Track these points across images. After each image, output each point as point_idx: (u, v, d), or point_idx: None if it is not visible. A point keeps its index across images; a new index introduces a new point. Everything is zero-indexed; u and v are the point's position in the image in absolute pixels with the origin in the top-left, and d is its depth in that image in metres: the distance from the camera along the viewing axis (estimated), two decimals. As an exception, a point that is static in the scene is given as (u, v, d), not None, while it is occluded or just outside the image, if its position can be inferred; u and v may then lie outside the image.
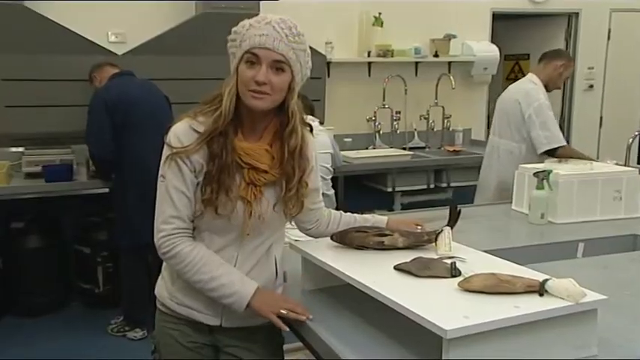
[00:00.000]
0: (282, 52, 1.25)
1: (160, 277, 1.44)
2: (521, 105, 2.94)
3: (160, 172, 1.31)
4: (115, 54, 3.56)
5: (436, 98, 4.54)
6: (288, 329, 1.30)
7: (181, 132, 1.30)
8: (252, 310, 1.29)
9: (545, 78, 3.03)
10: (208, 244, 1.33)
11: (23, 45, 3.34)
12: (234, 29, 1.30)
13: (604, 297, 1.09)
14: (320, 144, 3.08)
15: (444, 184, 4.10)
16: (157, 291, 1.43)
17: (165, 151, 1.31)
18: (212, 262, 1.30)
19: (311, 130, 1.42)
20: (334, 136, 3.51)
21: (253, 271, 1.36)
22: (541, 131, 2.87)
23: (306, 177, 1.37)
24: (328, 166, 3.14)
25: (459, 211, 1.51)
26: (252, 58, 1.25)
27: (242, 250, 1.35)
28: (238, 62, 1.27)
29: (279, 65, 1.26)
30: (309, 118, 3.01)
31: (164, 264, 1.42)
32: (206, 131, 1.28)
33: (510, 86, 3.18)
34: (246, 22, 1.28)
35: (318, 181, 1.49)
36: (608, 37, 5.19)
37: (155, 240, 1.31)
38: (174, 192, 1.29)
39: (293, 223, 1.52)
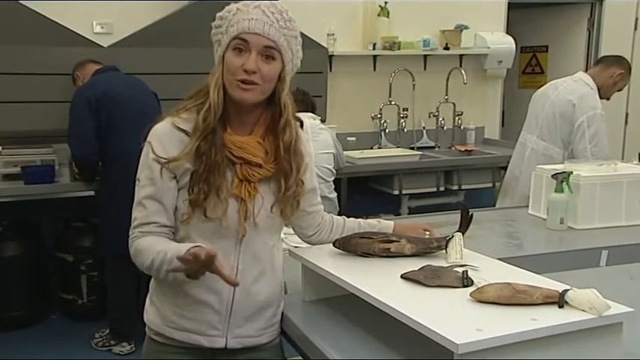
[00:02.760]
0: (273, 37, 1.25)
1: (148, 301, 1.41)
2: (575, 109, 2.86)
3: (137, 175, 1.31)
4: (101, 46, 3.57)
5: (446, 94, 4.54)
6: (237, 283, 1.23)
7: (163, 132, 1.29)
8: (181, 261, 1.17)
9: (598, 83, 2.94)
10: None
11: (-1, 36, 3.35)
12: (218, 15, 1.29)
13: (630, 309, 1.09)
14: (322, 143, 3.09)
15: (455, 187, 4.09)
16: (147, 318, 1.40)
17: (145, 154, 1.30)
18: (157, 240, 1.28)
19: (301, 125, 1.42)
20: (336, 134, 3.51)
21: (258, 283, 1.35)
22: (589, 144, 2.82)
23: (302, 175, 1.37)
24: (330, 167, 3.14)
25: (471, 215, 1.51)
26: (240, 45, 1.25)
27: (241, 260, 1.33)
28: (225, 50, 1.27)
29: (269, 52, 1.26)
30: (310, 116, 3.05)
31: (152, 287, 1.40)
32: (196, 130, 1.27)
33: (557, 83, 3.06)
34: (232, 6, 1.27)
35: (315, 180, 1.49)
36: (635, 27, 5.18)
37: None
38: (147, 198, 1.29)
39: (292, 228, 1.52)
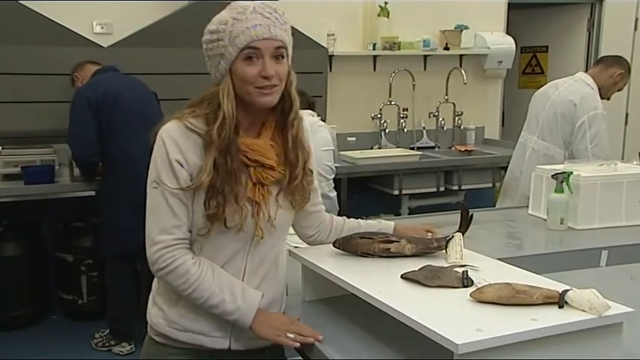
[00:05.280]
0: (281, 37, 1.25)
1: (150, 301, 1.40)
2: (577, 109, 2.86)
3: (153, 178, 1.27)
4: (101, 46, 3.57)
5: (446, 94, 4.54)
6: (298, 344, 1.28)
7: (176, 132, 1.26)
8: (255, 333, 1.29)
9: (598, 83, 2.94)
10: (212, 259, 1.30)
11: (-1, 36, 3.35)
12: (211, 29, 1.26)
13: (630, 309, 1.09)
14: (321, 140, 3.08)
15: (455, 187, 4.09)
16: (149, 319, 1.39)
17: (160, 155, 1.26)
18: (211, 276, 1.27)
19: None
20: (336, 135, 3.50)
21: (262, 285, 1.34)
22: (590, 144, 2.82)
23: (309, 164, 1.37)
24: (330, 164, 3.14)
25: (471, 215, 1.51)
26: (252, 54, 1.23)
27: (250, 261, 1.32)
28: (232, 62, 1.24)
29: (279, 52, 1.26)
30: (309, 113, 3.05)
31: (155, 287, 1.39)
32: (211, 145, 1.24)
33: (558, 83, 3.06)
34: (224, 17, 1.25)
35: (316, 180, 1.48)
36: (635, 27, 5.19)
37: (149, 253, 1.27)
38: (172, 199, 1.25)
39: (293, 228, 1.51)
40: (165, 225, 1.26)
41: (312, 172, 1.38)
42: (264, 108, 1.28)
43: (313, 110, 3.17)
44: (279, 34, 1.25)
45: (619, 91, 3.09)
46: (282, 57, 1.27)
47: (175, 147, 1.25)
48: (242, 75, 1.24)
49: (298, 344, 1.27)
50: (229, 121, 1.24)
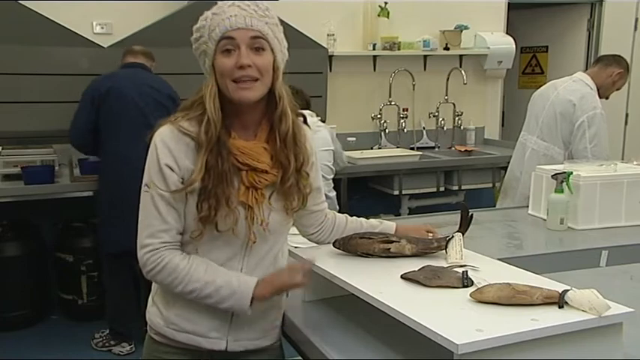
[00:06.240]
0: (257, 27, 1.23)
1: (150, 301, 1.40)
2: (576, 109, 2.87)
3: (144, 181, 1.27)
4: (101, 46, 3.57)
5: (446, 94, 4.54)
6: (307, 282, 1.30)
7: (168, 136, 1.26)
8: (259, 300, 1.26)
9: (597, 83, 2.95)
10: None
11: (-3, 35, 3.35)
12: (195, 27, 1.27)
13: (630, 310, 1.09)
14: (321, 140, 3.08)
15: (455, 187, 4.10)
16: (148, 317, 1.39)
17: (153, 159, 1.26)
18: (203, 267, 1.26)
19: (305, 121, 1.38)
20: (336, 135, 3.50)
21: None
22: (589, 144, 2.82)
23: (306, 167, 1.34)
24: (330, 164, 3.14)
25: (471, 215, 1.51)
26: (227, 45, 1.22)
27: (246, 263, 1.32)
28: (213, 57, 1.24)
29: (258, 43, 1.24)
30: (309, 113, 3.05)
31: (154, 286, 1.39)
32: (201, 146, 1.24)
33: (557, 83, 3.06)
34: (206, 14, 1.26)
35: (319, 179, 1.47)
36: (635, 27, 5.19)
37: (139, 256, 1.27)
38: (161, 204, 1.25)
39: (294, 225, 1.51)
40: (153, 229, 1.26)
41: (308, 175, 1.35)
42: (244, 104, 1.26)
43: (309, 109, 3.17)
44: (257, 24, 1.23)
45: (618, 90, 3.09)
46: (263, 49, 1.24)
47: (167, 151, 1.25)
48: (220, 68, 1.24)
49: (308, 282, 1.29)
50: (213, 120, 1.24)
